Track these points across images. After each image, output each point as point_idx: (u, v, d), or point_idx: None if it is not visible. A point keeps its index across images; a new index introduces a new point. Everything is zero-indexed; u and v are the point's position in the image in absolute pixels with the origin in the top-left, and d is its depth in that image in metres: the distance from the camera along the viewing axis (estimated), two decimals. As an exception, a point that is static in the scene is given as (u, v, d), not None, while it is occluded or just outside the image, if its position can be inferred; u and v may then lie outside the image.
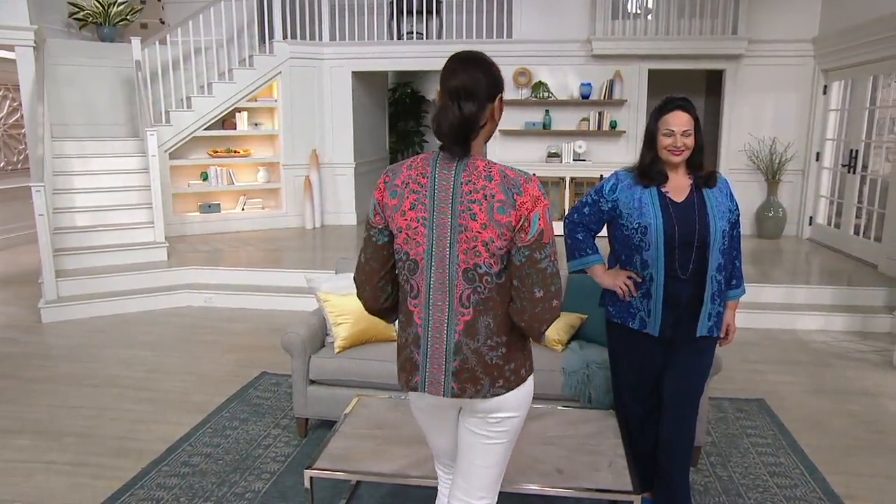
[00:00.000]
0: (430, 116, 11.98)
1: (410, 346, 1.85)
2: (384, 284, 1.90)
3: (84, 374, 4.54)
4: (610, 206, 2.64)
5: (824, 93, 7.92)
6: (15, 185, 8.82)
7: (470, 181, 1.73)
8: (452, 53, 1.80)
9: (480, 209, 1.71)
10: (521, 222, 1.70)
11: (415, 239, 1.77)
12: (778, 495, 3.08)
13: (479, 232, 1.72)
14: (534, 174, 1.78)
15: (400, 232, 1.79)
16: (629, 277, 2.59)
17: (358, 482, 3.05)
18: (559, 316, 1.81)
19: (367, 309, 1.97)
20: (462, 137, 1.72)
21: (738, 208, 2.66)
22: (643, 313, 2.60)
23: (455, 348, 1.79)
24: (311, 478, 2.55)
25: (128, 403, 4.07)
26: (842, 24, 7.30)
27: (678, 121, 2.52)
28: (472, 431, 1.91)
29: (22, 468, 3.32)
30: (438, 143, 1.78)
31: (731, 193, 2.66)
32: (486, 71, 1.77)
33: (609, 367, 2.94)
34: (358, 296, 1.96)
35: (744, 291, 2.77)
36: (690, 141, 2.53)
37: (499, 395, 1.83)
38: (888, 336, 5.23)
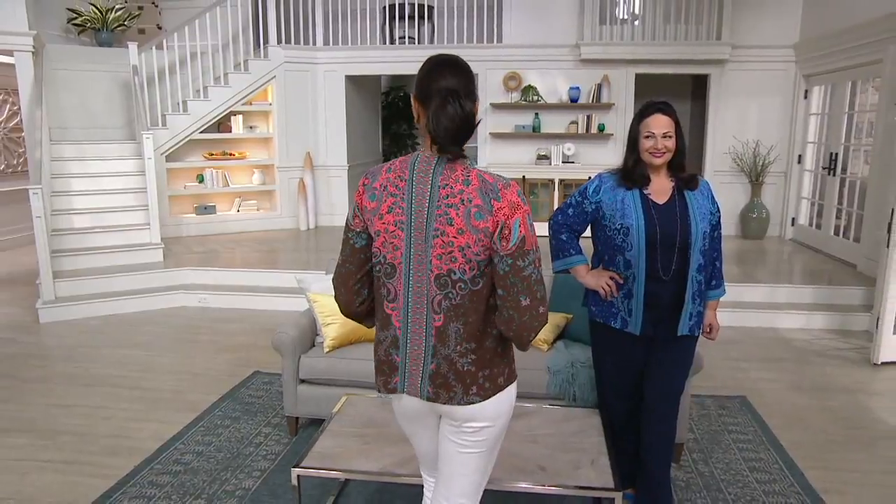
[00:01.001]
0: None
1: (389, 347, 1.80)
2: (360, 287, 1.86)
3: (79, 374, 4.51)
4: (593, 207, 2.64)
5: (805, 97, 7.94)
6: (14, 187, 8.78)
7: (447, 185, 1.67)
8: (428, 57, 1.77)
9: (457, 214, 1.65)
10: (499, 229, 1.64)
11: (392, 242, 1.73)
12: (757, 490, 3.08)
13: (454, 237, 1.66)
14: (513, 180, 1.73)
15: (378, 235, 1.75)
16: (611, 278, 2.59)
17: (346, 480, 3.04)
18: (547, 322, 1.77)
19: (342, 312, 1.92)
20: (463, 136, 1.68)
21: (718, 210, 2.67)
22: (624, 313, 2.60)
23: (432, 352, 1.75)
24: (299, 476, 2.54)
25: (122, 402, 4.05)
26: (822, 30, 7.33)
27: (658, 123, 2.53)
28: (449, 440, 1.86)
29: (17, 466, 3.29)
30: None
31: (712, 196, 2.66)
32: (469, 75, 1.76)
33: (593, 366, 2.94)
34: (335, 298, 1.92)
35: (724, 292, 2.77)
36: (671, 143, 2.54)
37: (473, 403, 1.76)
38: (866, 334, 5.24)
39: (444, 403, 1.77)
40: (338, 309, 3.46)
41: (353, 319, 1.94)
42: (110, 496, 3.00)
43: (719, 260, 2.71)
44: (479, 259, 1.68)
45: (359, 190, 1.80)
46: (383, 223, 1.73)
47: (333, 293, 1.92)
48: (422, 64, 1.76)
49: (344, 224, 1.85)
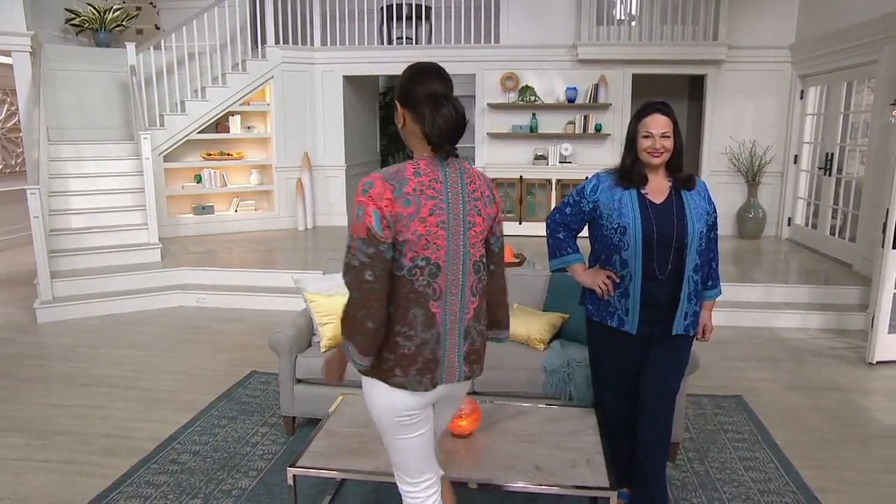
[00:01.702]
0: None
1: (434, 346, 1.86)
2: (386, 302, 1.83)
3: (77, 374, 4.50)
4: (591, 206, 2.64)
5: (801, 98, 7.95)
6: (12, 187, 8.76)
7: (471, 181, 1.90)
8: (410, 64, 1.90)
9: (483, 206, 1.91)
10: (497, 214, 1.98)
11: (435, 243, 1.80)
12: (752, 489, 3.08)
13: (482, 226, 1.91)
14: None
15: (420, 238, 1.77)
16: (608, 277, 2.59)
17: (342, 480, 3.03)
18: None
19: (375, 334, 1.80)
20: (457, 135, 1.81)
21: (715, 211, 2.66)
22: (621, 312, 2.60)
23: (465, 334, 1.92)
24: (295, 476, 2.54)
25: (119, 402, 4.04)
26: (817, 31, 7.33)
27: (657, 123, 2.52)
28: (450, 412, 2.15)
29: (14, 466, 3.29)
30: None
31: (709, 196, 2.66)
32: (451, 82, 1.87)
33: (589, 365, 2.94)
34: (363, 322, 1.77)
35: (720, 292, 2.76)
36: (669, 143, 2.53)
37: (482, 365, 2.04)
38: (861, 333, 5.24)
39: (477, 375, 2.01)
40: (334, 309, 3.47)
41: (377, 339, 1.82)
42: (107, 496, 2.99)
43: (715, 261, 2.71)
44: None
45: (387, 198, 1.72)
46: (426, 226, 1.78)
47: (357, 315, 1.78)
48: (403, 71, 1.88)
49: (361, 241, 1.74)
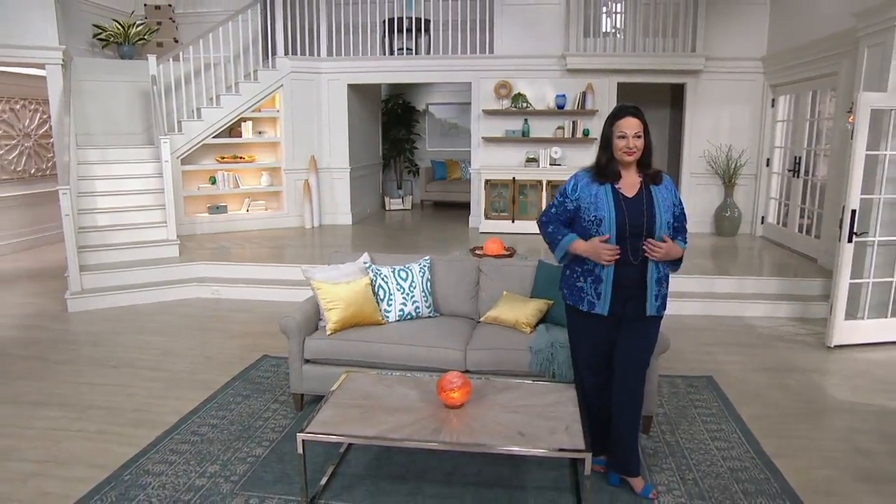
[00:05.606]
0: (419, 126, 12.06)
1: None
2: None
3: (104, 357, 4.65)
4: (574, 204, 2.80)
5: (772, 105, 8.08)
6: (44, 189, 8.88)
7: None
8: None
9: None
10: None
11: None
12: (717, 456, 3.23)
13: None
14: None
15: None
16: (601, 241, 2.69)
17: (348, 448, 3.18)
18: None
19: None
20: None
21: (681, 203, 2.83)
22: (591, 297, 2.76)
23: None
24: (304, 441, 2.68)
25: (143, 382, 4.19)
26: (786, 44, 7.47)
27: (630, 125, 2.69)
28: None
29: (53, 434, 3.45)
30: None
31: (675, 190, 2.82)
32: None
33: (569, 344, 3.09)
34: None
35: (685, 244, 2.83)
36: (640, 143, 2.70)
37: None
38: (823, 321, 5.36)
39: None
40: (339, 295, 3.62)
41: None
42: (137, 460, 3.15)
43: (682, 234, 2.81)
44: None
45: None
46: None
47: None
48: None
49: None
